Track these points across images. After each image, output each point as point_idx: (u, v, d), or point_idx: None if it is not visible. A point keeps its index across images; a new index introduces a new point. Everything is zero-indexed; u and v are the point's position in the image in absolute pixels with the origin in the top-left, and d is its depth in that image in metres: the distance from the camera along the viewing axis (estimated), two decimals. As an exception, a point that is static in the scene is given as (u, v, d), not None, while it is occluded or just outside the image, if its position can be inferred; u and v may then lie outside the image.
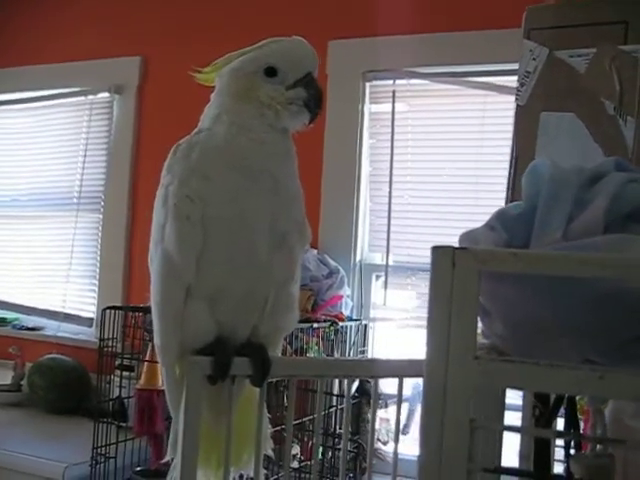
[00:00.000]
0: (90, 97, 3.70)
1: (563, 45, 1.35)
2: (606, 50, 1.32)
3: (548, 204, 0.84)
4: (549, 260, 0.73)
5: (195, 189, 1.10)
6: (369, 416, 2.68)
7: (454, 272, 0.76)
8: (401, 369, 1.15)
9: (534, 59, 1.36)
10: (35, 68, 3.82)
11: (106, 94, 3.65)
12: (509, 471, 0.78)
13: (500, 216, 0.90)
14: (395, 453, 1.18)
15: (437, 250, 0.77)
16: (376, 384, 1.22)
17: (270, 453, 1.22)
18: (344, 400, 2.45)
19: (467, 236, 0.92)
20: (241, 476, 1.23)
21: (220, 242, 1.10)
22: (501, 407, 1.18)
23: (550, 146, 1.34)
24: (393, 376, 1.17)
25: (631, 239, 0.78)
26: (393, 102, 3.07)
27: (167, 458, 1.16)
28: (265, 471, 1.20)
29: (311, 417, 2.44)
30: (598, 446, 1.00)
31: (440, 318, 0.76)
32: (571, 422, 1.10)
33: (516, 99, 1.41)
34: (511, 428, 0.93)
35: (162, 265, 1.12)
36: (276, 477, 2.17)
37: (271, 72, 1.16)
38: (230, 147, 1.13)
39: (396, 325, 3.03)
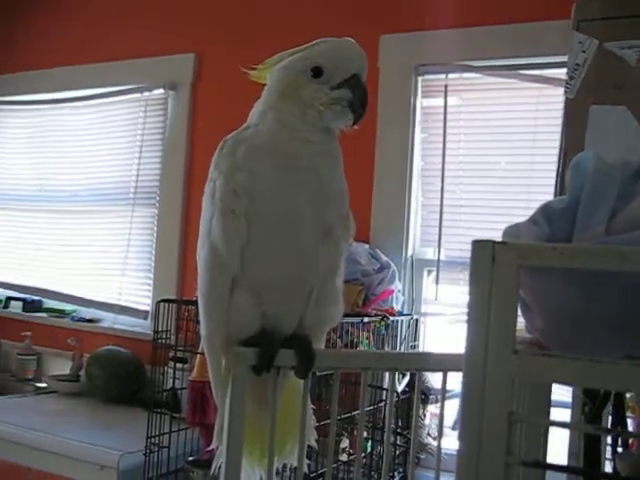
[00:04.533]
0: (146, 94, 3.76)
1: (613, 37, 1.32)
2: (658, 41, 1.29)
3: (591, 198, 0.84)
4: (589, 254, 0.73)
5: (240, 184, 1.12)
6: (421, 411, 2.68)
7: (493, 266, 0.76)
8: (445, 362, 1.14)
9: (583, 51, 1.34)
10: (93, 66, 3.91)
11: (161, 91, 3.71)
12: (549, 466, 0.78)
13: (544, 210, 0.89)
14: (438, 447, 1.18)
15: (477, 244, 0.77)
16: (419, 377, 1.22)
17: (313, 444, 1.23)
18: (394, 394, 2.47)
19: (511, 230, 0.91)
20: (284, 466, 1.25)
21: (264, 235, 1.12)
22: (547, 403, 1.17)
23: (599, 139, 1.32)
24: (437, 370, 1.17)
25: (674, 234, 0.77)
26: (445, 96, 3.05)
27: (212, 446, 1.18)
28: (308, 461, 1.21)
29: (357, 412, 2.45)
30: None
31: (479, 312, 0.76)
32: (618, 419, 1.08)
33: (565, 92, 1.39)
34: (554, 423, 0.92)
35: (209, 257, 1.15)
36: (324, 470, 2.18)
37: (317, 72, 1.16)
38: (275, 145, 1.14)
39: (447, 320, 3.01)
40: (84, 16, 4.05)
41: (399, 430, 2.62)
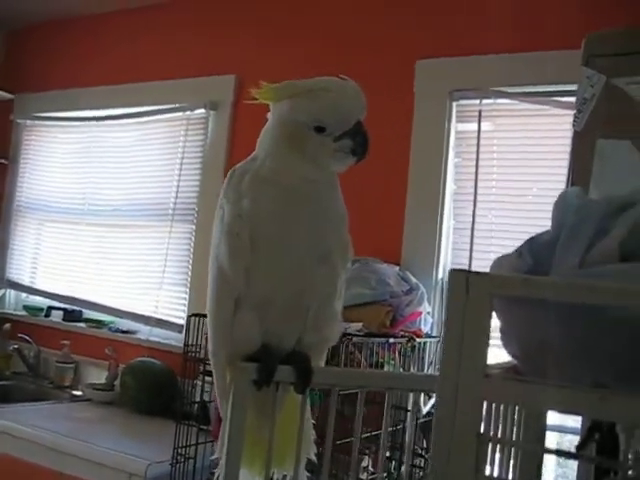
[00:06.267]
0: (187, 113, 3.86)
1: (622, 72, 1.36)
2: (664, 78, 1.32)
3: (570, 232, 0.87)
4: (556, 287, 0.77)
5: (245, 210, 1.19)
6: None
7: (468, 295, 0.80)
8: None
9: (592, 86, 1.38)
10: (137, 86, 4.03)
11: (202, 110, 3.80)
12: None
13: (529, 242, 0.93)
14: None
15: (453, 273, 0.82)
16: (416, 397, 1.26)
17: (312, 457, 1.28)
18: (415, 415, 2.49)
19: (497, 261, 0.95)
20: (284, 477, 1.30)
21: (265, 257, 1.19)
22: (542, 429, 1.20)
23: (606, 173, 1.34)
24: (432, 391, 1.21)
25: (640, 268, 0.80)
26: (479, 121, 3.08)
27: (215, 456, 1.24)
28: (308, 474, 1.26)
29: (380, 431, 2.47)
30: (630, 472, 1.01)
31: (453, 337, 0.81)
32: (607, 447, 1.10)
33: (573, 125, 1.43)
34: (548, 450, 0.95)
35: (216, 276, 1.22)
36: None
37: (320, 130, 1.20)
38: (278, 179, 1.20)
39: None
40: (129, 37, 4.19)
41: (421, 452, 2.63)
